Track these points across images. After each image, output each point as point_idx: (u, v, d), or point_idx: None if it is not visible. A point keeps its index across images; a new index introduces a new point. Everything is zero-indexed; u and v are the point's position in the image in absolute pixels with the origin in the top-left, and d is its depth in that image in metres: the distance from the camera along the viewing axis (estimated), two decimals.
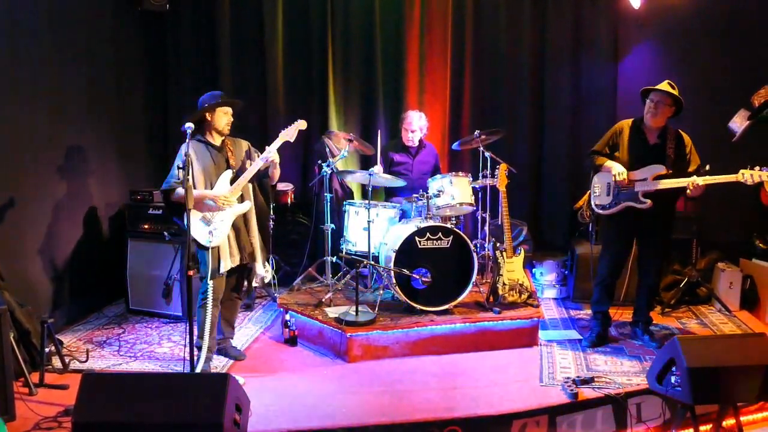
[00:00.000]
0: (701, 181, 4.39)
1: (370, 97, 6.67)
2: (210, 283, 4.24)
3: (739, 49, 6.13)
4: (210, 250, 4.24)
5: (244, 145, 4.57)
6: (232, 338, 4.71)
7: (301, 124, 4.52)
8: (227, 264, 4.30)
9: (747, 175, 4.23)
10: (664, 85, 4.53)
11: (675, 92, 4.51)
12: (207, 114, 4.32)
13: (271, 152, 4.36)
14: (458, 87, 6.71)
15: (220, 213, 4.28)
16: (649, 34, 6.48)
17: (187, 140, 3.88)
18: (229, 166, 4.36)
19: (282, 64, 6.57)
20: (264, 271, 4.57)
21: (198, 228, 4.23)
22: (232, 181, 4.34)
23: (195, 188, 4.21)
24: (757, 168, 4.23)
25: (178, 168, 4.11)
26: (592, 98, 6.65)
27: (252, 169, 4.37)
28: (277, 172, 4.52)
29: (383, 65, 6.59)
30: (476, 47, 6.66)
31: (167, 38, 6.59)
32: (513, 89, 6.70)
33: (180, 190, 4.18)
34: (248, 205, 4.41)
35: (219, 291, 4.36)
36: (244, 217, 4.44)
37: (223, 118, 4.35)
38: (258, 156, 4.51)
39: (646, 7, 6.25)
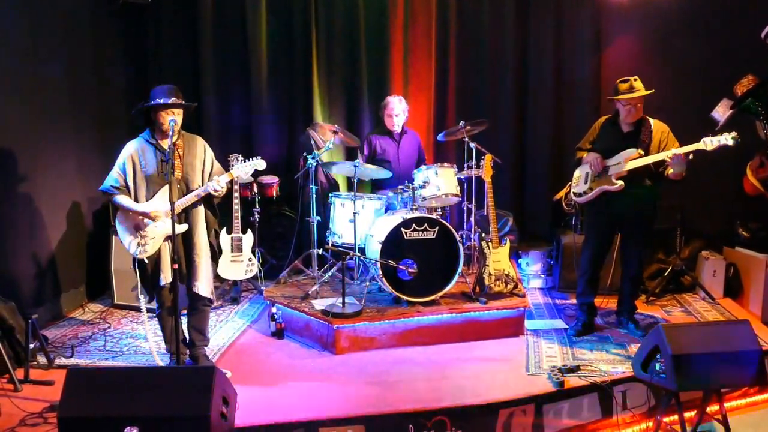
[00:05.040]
0: (672, 153, 4.40)
1: (354, 88, 6.63)
2: (142, 297, 4.15)
3: (721, 39, 6.15)
4: (147, 260, 4.06)
5: (199, 145, 4.20)
6: (205, 345, 4.38)
7: (259, 164, 4.27)
8: (168, 277, 4.05)
9: (708, 141, 4.32)
10: (629, 86, 4.55)
11: (642, 90, 4.54)
12: (152, 113, 4.00)
13: (220, 185, 4.06)
14: (443, 78, 6.70)
15: (151, 229, 4.04)
16: (631, 25, 6.49)
17: (170, 135, 3.84)
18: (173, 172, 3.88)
19: (265, 56, 6.51)
20: (209, 292, 4.20)
21: (126, 237, 4.06)
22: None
23: (135, 197, 4.02)
24: (719, 134, 4.31)
25: (119, 173, 3.98)
26: (575, 89, 6.65)
27: (194, 195, 4.05)
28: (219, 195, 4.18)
29: (367, 56, 6.55)
30: (460, 38, 6.65)
31: (148, 31, 6.51)
32: (497, 80, 6.70)
33: (119, 199, 4.00)
34: (184, 227, 4.06)
35: (167, 300, 4.13)
36: (186, 236, 4.12)
37: (165, 118, 3.96)
38: (213, 159, 4.22)
39: None
